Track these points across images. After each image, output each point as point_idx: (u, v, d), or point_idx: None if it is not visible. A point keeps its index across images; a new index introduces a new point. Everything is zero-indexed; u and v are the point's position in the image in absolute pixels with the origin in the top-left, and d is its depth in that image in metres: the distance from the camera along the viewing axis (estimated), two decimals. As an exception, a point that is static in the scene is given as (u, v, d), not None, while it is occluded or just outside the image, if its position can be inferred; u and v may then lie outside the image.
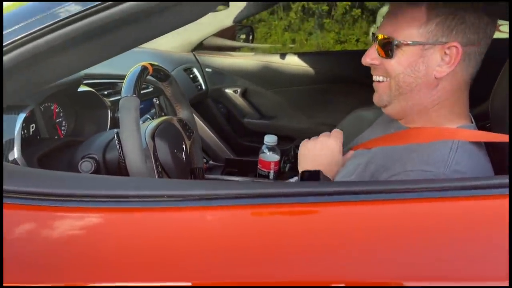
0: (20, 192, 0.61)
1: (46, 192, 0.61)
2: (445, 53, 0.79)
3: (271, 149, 1.47)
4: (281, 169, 1.56)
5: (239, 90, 2.10)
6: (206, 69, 2.06)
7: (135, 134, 0.81)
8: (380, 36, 0.84)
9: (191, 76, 1.97)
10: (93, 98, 1.21)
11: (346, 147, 1.14)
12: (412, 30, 0.80)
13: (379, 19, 5.72)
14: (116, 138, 0.91)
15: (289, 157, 1.85)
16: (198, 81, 2.01)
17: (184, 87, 1.90)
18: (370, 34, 6.36)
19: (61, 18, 0.62)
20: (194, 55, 2.06)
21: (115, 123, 1.24)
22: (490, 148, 0.86)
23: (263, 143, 1.49)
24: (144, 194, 0.59)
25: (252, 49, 2.52)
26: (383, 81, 0.87)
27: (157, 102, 1.14)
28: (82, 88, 1.17)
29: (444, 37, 0.78)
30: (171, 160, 0.97)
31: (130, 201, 0.59)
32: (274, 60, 2.10)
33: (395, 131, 0.91)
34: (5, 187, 0.61)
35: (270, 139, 1.46)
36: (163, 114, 1.14)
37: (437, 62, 0.80)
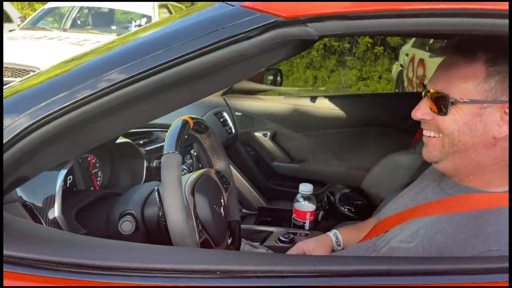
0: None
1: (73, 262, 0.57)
2: (505, 112, 0.75)
3: (306, 198, 1.42)
4: (317, 218, 1.51)
5: (268, 133, 2.08)
6: (236, 113, 2.06)
7: (177, 193, 0.78)
8: (433, 91, 0.80)
9: (221, 120, 1.96)
10: (129, 148, 1.20)
11: (394, 199, 1.08)
12: (469, 87, 0.76)
13: (402, 56, 5.72)
14: (157, 195, 0.88)
15: (322, 203, 1.80)
16: (228, 124, 2.00)
17: (215, 131, 1.90)
18: (393, 71, 6.35)
19: (109, 84, 0.61)
20: (224, 99, 2.06)
21: (151, 173, 1.22)
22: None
23: (298, 191, 1.44)
24: (194, 269, 0.55)
25: (279, 92, 2.52)
26: (435, 137, 0.82)
27: (195, 153, 1.12)
28: (119, 140, 1.17)
29: (504, 96, 0.74)
30: (211, 217, 0.93)
31: (174, 277, 0.55)
32: (304, 103, 2.09)
33: (449, 190, 0.86)
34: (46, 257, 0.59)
35: (305, 188, 1.42)
36: (200, 166, 1.12)
37: (496, 121, 0.76)
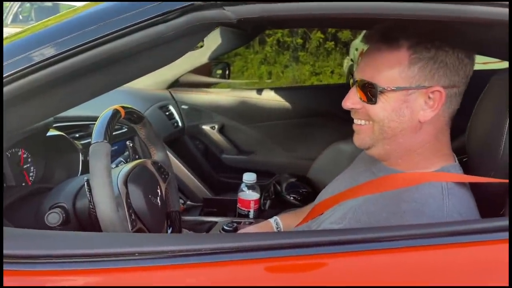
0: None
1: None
2: (428, 97, 0.79)
3: (250, 187, 1.44)
4: (261, 207, 1.53)
5: (216, 126, 2.08)
6: (182, 106, 2.04)
7: (106, 181, 0.77)
8: (360, 80, 0.82)
9: (167, 113, 1.94)
10: (63, 142, 1.17)
11: (329, 184, 1.12)
12: (394, 75, 0.78)
13: (352, 51, 5.87)
14: (86, 185, 0.86)
15: (269, 193, 1.82)
16: (174, 118, 1.98)
17: (160, 125, 1.88)
18: (344, 66, 6.50)
19: (35, 61, 0.59)
20: (170, 92, 2.04)
21: (87, 167, 1.19)
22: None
23: (242, 181, 1.45)
24: (111, 253, 0.55)
25: (228, 85, 2.53)
26: (365, 125, 0.85)
27: (131, 144, 1.10)
28: (51, 132, 1.13)
29: (427, 81, 0.78)
30: (145, 207, 0.92)
31: (95, 261, 0.54)
32: (251, 95, 2.10)
33: (378, 173, 0.89)
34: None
35: (249, 177, 1.43)
36: (137, 157, 1.10)
37: (421, 106, 0.79)
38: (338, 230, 0.76)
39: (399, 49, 0.78)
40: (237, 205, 1.45)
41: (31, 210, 0.93)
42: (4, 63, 0.60)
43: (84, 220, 0.88)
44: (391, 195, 0.80)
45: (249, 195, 1.43)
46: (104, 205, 0.75)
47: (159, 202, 1.00)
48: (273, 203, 1.76)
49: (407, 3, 0.63)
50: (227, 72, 2.45)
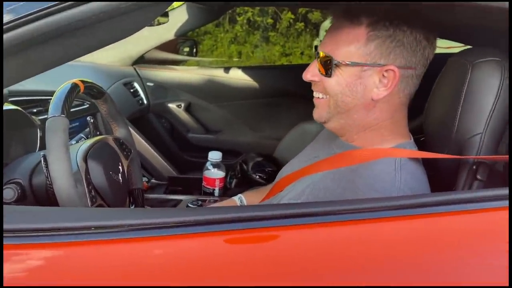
0: None
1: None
2: (383, 75, 0.80)
3: (215, 165, 1.44)
4: (226, 185, 1.53)
5: (182, 105, 2.06)
6: (148, 83, 2.00)
7: (63, 156, 0.75)
8: (321, 54, 0.83)
9: (132, 90, 1.90)
10: (20, 116, 1.12)
11: (291, 161, 1.13)
12: (351, 50, 0.80)
13: (322, 32, 5.89)
14: (43, 161, 0.84)
15: (235, 172, 1.83)
16: (139, 95, 1.94)
17: (125, 102, 1.84)
18: (314, 47, 6.53)
19: None
20: (135, 69, 1.99)
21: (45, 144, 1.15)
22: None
23: (208, 160, 1.45)
24: (67, 227, 0.54)
25: (197, 63, 2.50)
26: (322, 98, 0.86)
27: (92, 120, 1.08)
28: (7, 107, 1.08)
29: (383, 59, 0.79)
30: (106, 183, 0.91)
31: (48, 235, 0.54)
32: (218, 74, 2.08)
33: (337, 149, 0.91)
34: None
35: (214, 156, 1.43)
36: (98, 133, 1.08)
37: (375, 84, 0.81)
38: (291, 204, 0.77)
39: (359, 26, 0.79)
40: (202, 183, 1.45)
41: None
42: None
43: (41, 197, 0.86)
44: (347, 171, 0.82)
45: (214, 174, 1.43)
46: (61, 181, 0.73)
47: (120, 179, 0.99)
48: (240, 182, 1.77)
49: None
50: (194, 50, 2.41)
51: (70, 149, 0.79)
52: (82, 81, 0.91)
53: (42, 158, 0.83)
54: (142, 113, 1.94)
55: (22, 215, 0.61)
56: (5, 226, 0.56)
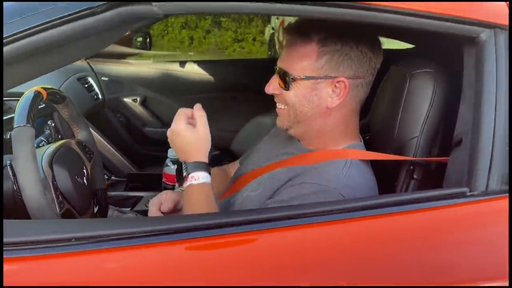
0: None
1: None
2: (335, 86, 0.88)
3: (175, 162, 1.48)
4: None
5: (138, 99, 2.07)
6: (103, 78, 1.99)
7: (31, 166, 0.78)
8: (279, 69, 0.90)
9: (86, 85, 1.89)
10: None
11: (246, 153, 1.21)
12: (304, 65, 0.87)
13: (273, 19, 5.95)
14: (10, 170, 0.85)
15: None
16: (94, 90, 1.93)
17: (79, 97, 1.82)
18: (265, 34, 6.55)
19: None
20: (89, 63, 1.97)
21: (4, 146, 1.15)
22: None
23: (167, 156, 1.49)
24: (49, 239, 0.58)
25: (152, 56, 2.49)
26: (284, 108, 0.94)
27: (53, 124, 1.09)
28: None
29: (333, 72, 0.87)
30: (72, 187, 0.94)
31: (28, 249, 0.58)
32: (174, 68, 2.11)
33: (295, 151, 0.99)
34: None
35: (173, 153, 1.47)
36: (59, 136, 1.09)
37: (328, 94, 0.89)
38: (247, 211, 0.85)
39: (310, 43, 0.87)
40: (163, 180, 1.49)
41: None
42: None
43: (8, 204, 0.87)
44: (301, 170, 0.91)
45: (174, 170, 1.47)
46: (31, 190, 0.76)
47: (85, 181, 1.02)
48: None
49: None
50: (147, 41, 2.40)
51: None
52: (44, 88, 0.93)
53: (8, 167, 0.85)
54: (98, 108, 1.93)
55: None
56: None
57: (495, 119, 0.72)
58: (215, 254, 0.65)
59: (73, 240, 0.58)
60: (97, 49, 0.72)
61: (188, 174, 0.89)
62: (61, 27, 0.60)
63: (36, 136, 1.25)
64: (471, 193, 0.69)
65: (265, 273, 0.63)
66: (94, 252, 0.61)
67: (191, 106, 2.05)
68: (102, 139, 1.61)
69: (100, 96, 1.95)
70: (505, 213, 0.67)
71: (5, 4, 0.61)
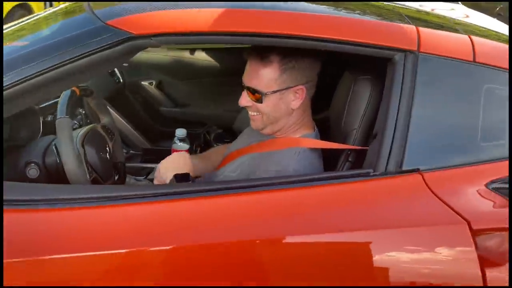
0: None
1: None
2: (296, 92, 1.16)
3: (181, 140, 1.79)
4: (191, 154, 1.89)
5: (154, 82, 2.37)
6: (123, 64, 2.29)
7: (71, 147, 1.10)
8: (249, 87, 1.17)
9: (109, 71, 2.20)
10: (25, 107, 1.44)
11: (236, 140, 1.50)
12: (270, 82, 1.13)
13: None
14: (54, 148, 1.18)
15: (199, 142, 2.19)
16: (116, 75, 2.24)
17: (104, 82, 2.15)
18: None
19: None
20: (112, 51, 2.27)
21: (46, 127, 1.48)
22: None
23: (175, 135, 1.80)
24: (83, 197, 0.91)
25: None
26: (257, 115, 1.21)
27: (83, 111, 1.41)
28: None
29: (293, 83, 1.15)
30: (98, 162, 1.26)
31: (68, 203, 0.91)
32: (185, 55, 2.39)
33: (265, 138, 1.27)
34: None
35: (180, 132, 1.77)
36: (88, 121, 1.41)
37: (291, 99, 1.16)
38: (220, 182, 1.16)
39: (272, 64, 1.13)
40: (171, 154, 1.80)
41: (10, 164, 1.24)
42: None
43: (53, 173, 1.21)
44: (266, 154, 1.21)
45: (180, 146, 1.78)
46: (72, 165, 1.09)
47: (108, 156, 1.34)
48: (203, 150, 2.13)
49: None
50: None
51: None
52: (78, 87, 1.24)
53: (53, 146, 1.18)
54: (119, 91, 2.25)
55: (53, 189, 0.97)
56: (47, 196, 0.92)
57: (396, 120, 0.99)
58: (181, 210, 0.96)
59: (99, 199, 0.91)
60: (105, 72, 1.02)
61: None
62: (77, 62, 0.90)
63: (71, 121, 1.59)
64: (374, 173, 0.97)
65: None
66: (113, 206, 0.93)
67: (200, 89, 2.35)
68: (121, 119, 1.92)
69: (121, 80, 2.26)
70: (397, 189, 0.96)
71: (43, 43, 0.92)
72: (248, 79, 1.18)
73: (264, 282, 0.92)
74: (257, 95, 1.16)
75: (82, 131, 1.29)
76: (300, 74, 1.15)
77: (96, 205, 0.92)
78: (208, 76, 2.41)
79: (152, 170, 1.73)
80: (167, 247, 0.90)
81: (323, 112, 1.46)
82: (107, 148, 1.36)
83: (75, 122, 1.52)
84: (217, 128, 2.23)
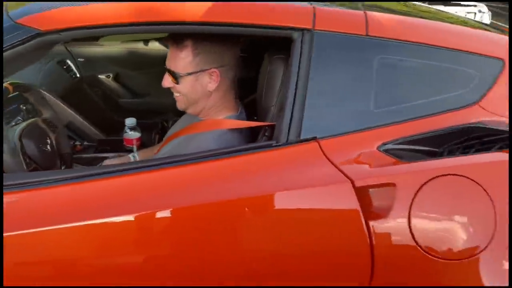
0: None
1: None
2: (210, 75, 1.24)
3: (132, 128, 1.86)
4: (144, 142, 1.96)
5: (111, 75, 2.43)
6: (79, 59, 2.36)
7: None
8: (168, 69, 1.25)
9: (65, 67, 2.26)
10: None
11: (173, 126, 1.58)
12: (186, 65, 1.22)
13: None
14: None
15: (157, 130, 2.27)
16: (72, 70, 2.31)
17: (60, 78, 2.21)
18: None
19: None
20: (66, 47, 2.33)
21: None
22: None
23: (141, 122, 1.87)
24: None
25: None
26: (179, 96, 1.29)
27: (24, 107, 1.48)
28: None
29: (206, 66, 1.22)
30: (38, 153, 1.34)
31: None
32: (139, 46, 2.45)
33: (193, 120, 1.36)
34: None
35: (130, 121, 1.85)
36: (30, 116, 1.48)
37: (207, 81, 1.24)
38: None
39: (186, 48, 1.21)
40: (123, 143, 1.88)
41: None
42: None
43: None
44: (190, 137, 1.29)
45: (131, 135, 1.86)
46: (5, 156, 1.17)
47: (49, 148, 1.42)
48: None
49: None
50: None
51: (10, 130, 1.22)
52: (10, 84, 1.32)
53: None
54: (77, 86, 2.32)
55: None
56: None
57: (295, 95, 1.07)
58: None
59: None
60: (20, 69, 1.11)
61: None
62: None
63: (14, 116, 1.66)
64: (276, 144, 1.06)
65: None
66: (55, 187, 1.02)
67: (157, 78, 2.42)
68: (74, 113, 1.97)
69: (78, 75, 2.33)
70: (295, 157, 1.05)
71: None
72: (168, 62, 1.27)
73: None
74: (175, 77, 1.24)
75: (21, 126, 1.36)
76: (213, 57, 1.23)
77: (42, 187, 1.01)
78: (163, 65, 2.45)
79: (103, 160, 1.80)
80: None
81: (253, 94, 1.54)
82: (48, 140, 1.43)
83: (19, 118, 1.59)
84: (174, 115, 2.30)
